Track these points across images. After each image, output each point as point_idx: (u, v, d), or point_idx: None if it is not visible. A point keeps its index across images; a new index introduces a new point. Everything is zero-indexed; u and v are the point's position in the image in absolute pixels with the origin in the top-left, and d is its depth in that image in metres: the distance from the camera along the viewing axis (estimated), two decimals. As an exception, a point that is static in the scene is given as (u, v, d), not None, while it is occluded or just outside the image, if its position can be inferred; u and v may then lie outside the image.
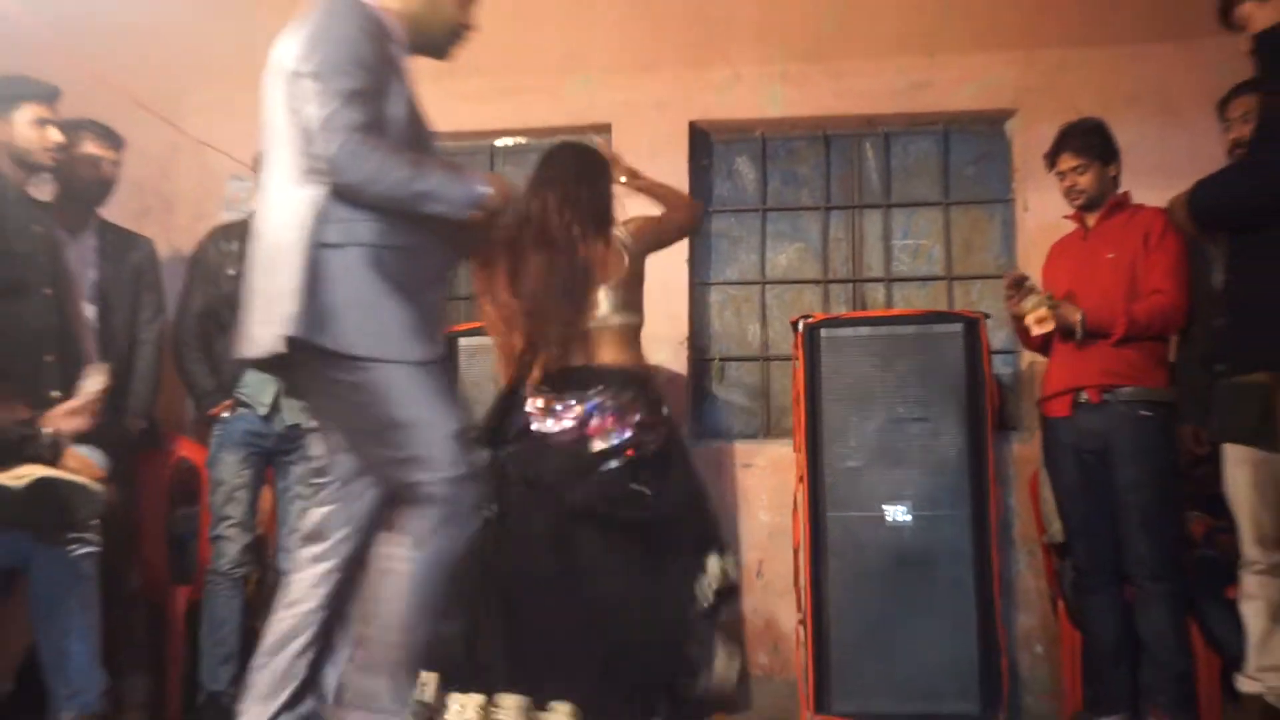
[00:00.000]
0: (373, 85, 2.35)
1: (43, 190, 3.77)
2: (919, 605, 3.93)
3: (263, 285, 2.35)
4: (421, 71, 5.21)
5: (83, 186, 3.86)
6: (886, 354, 4.12)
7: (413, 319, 2.31)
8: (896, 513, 4.02)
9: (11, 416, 2.98)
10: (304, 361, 2.30)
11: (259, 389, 3.96)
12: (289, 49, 2.39)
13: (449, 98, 4.97)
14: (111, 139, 3.91)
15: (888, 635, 3.92)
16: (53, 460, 2.97)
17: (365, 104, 2.31)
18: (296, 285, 2.24)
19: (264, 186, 2.45)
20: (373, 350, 2.26)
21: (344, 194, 2.29)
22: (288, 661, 2.42)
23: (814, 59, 4.78)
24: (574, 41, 4.90)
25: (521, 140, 5.11)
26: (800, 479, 4.09)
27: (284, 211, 2.34)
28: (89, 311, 3.82)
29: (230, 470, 3.93)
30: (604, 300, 3.22)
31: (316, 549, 2.47)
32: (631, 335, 3.27)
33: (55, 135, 3.54)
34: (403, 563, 2.31)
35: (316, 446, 2.56)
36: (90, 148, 3.85)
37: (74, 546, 2.86)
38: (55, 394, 3.24)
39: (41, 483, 2.82)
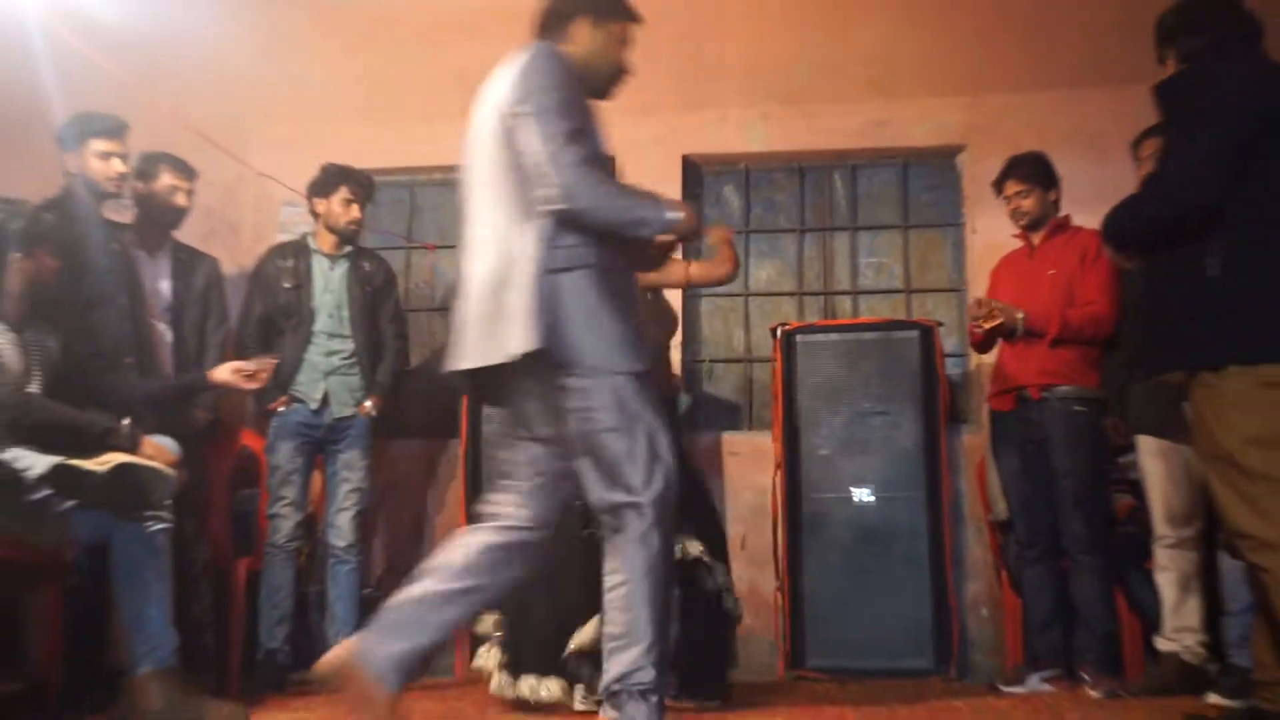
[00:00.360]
0: (584, 123, 2.35)
1: (122, 214, 3.78)
2: (881, 575, 3.94)
3: (487, 308, 2.29)
4: (451, 109, 5.21)
5: (160, 212, 3.85)
6: (853, 357, 4.12)
7: (630, 333, 2.28)
8: (862, 494, 4.03)
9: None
10: (526, 373, 2.26)
11: (310, 386, 3.97)
12: (504, 94, 2.36)
13: (475, 134, 4.99)
14: (186, 170, 3.90)
15: (854, 601, 3.93)
16: (132, 449, 2.97)
17: (583, 140, 2.30)
18: (531, 305, 2.21)
19: (472, 219, 2.41)
20: (600, 361, 2.23)
21: (571, 221, 2.26)
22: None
23: (790, 102, 4.78)
24: (583, 86, 4.89)
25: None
26: (778, 465, 4.10)
27: (507, 242, 2.30)
28: (163, 320, 3.83)
29: (285, 457, 3.93)
30: None
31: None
32: None
33: (119, 166, 3.56)
34: (621, 578, 2.22)
35: (510, 452, 2.43)
36: (167, 178, 3.84)
37: (150, 524, 2.84)
38: (90, 384, 3.22)
39: (121, 468, 2.81)
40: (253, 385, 3.45)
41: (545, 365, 2.23)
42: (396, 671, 2.25)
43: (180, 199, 3.88)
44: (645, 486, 2.21)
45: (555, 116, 2.27)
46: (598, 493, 2.27)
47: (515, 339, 2.22)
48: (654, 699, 2.18)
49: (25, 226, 2.99)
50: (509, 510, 2.37)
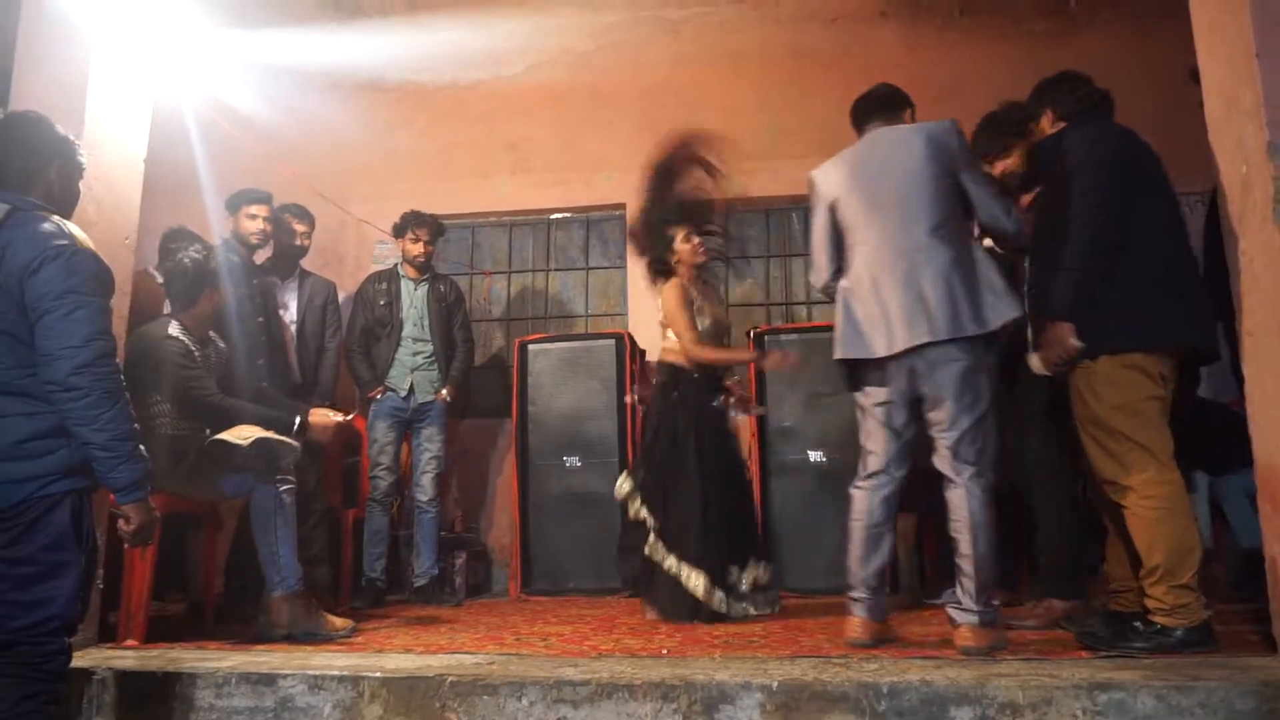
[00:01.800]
0: None
1: (262, 255, 3.81)
2: (837, 513, 3.89)
3: (945, 292, 2.36)
4: (502, 169, 5.24)
5: (287, 248, 3.89)
6: (809, 350, 4.05)
7: None
8: (817, 455, 4.01)
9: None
10: (968, 346, 2.37)
11: (400, 379, 3.98)
12: (947, 137, 2.47)
13: (521, 187, 5.01)
14: (306, 217, 3.93)
15: (815, 533, 3.89)
16: (304, 430, 3.01)
17: None
18: (1003, 286, 2.39)
19: (896, 227, 2.44)
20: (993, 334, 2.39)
21: (1004, 245, 2.65)
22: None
23: (759, 158, 4.72)
24: (602, 148, 4.89)
25: (567, 215, 5.11)
26: (753, 434, 4.08)
27: (946, 249, 2.40)
28: (291, 330, 3.86)
29: (382, 433, 3.94)
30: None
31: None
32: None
33: (260, 225, 3.63)
34: (967, 514, 2.35)
35: (936, 413, 2.42)
36: (293, 223, 3.87)
37: (280, 484, 2.86)
38: (264, 384, 3.28)
39: (259, 442, 2.81)
40: (327, 437, 3.12)
41: (982, 340, 2.38)
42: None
43: (300, 240, 3.91)
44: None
45: (988, 179, 2.57)
46: (969, 449, 2.37)
47: (998, 313, 2.36)
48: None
49: (217, 266, 3.04)
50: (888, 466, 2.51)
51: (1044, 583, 2.84)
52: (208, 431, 2.91)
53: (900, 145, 2.52)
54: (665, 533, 3.13)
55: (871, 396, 2.52)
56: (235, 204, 3.65)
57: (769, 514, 3.96)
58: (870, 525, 2.50)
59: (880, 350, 2.43)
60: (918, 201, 2.45)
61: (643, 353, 4.45)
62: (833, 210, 2.58)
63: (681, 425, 3.20)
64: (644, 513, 3.18)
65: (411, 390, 3.98)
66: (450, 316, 4.13)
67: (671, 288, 3.28)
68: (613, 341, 4.26)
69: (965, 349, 2.39)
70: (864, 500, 2.52)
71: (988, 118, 2.84)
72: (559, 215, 5.12)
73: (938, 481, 2.44)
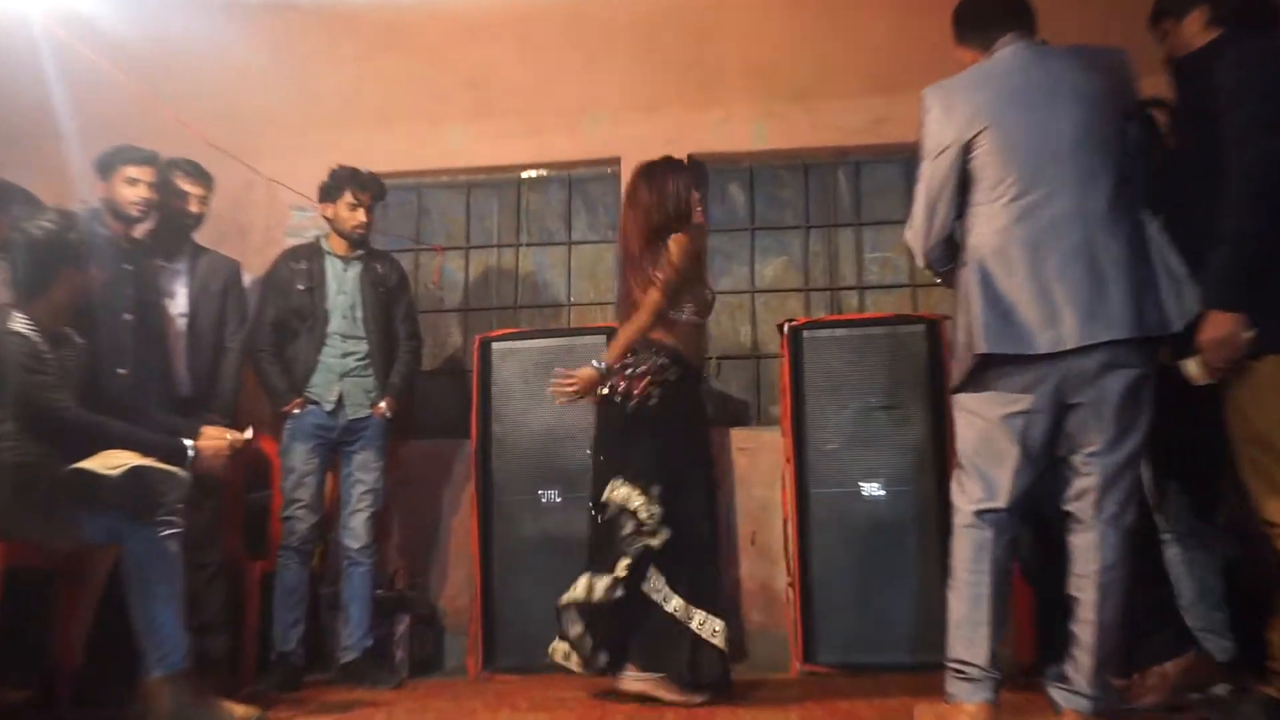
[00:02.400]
0: None
1: (142, 229, 3.76)
2: (892, 568, 3.88)
3: (1121, 283, 2.31)
4: (458, 113, 5.20)
5: (175, 218, 3.84)
6: (860, 351, 4.07)
7: None
8: (871, 488, 3.97)
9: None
10: (1139, 350, 2.34)
11: (325, 388, 3.94)
12: (1124, 70, 2.45)
13: (482, 136, 4.97)
14: (202, 176, 3.90)
15: (866, 595, 3.88)
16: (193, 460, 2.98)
17: None
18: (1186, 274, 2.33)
19: (1070, 182, 2.37)
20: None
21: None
22: None
23: (793, 100, 4.73)
24: (588, 87, 4.86)
25: (543, 172, 5.07)
26: (787, 460, 4.04)
27: (1126, 219, 2.36)
28: (179, 325, 3.80)
29: (300, 458, 3.89)
30: None
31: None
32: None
33: (144, 192, 3.64)
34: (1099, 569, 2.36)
35: (1089, 433, 2.40)
36: (182, 184, 3.84)
37: (162, 527, 2.81)
38: (119, 399, 3.21)
39: (134, 471, 2.77)
40: (220, 464, 3.05)
41: (1153, 344, 2.35)
42: None
43: (195, 205, 3.87)
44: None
45: None
46: (1121, 483, 2.37)
47: (1181, 307, 2.31)
48: None
49: (79, 239, 2.99)
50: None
51: (1148, 644, 2.80)
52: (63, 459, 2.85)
53: (1066, 72, 2.43)
54: (683, 575, 3.19)
55: (1003, 403, 2.40)
56: (110, 164, 3.62)
57: (807, 565, 3.91)
58: (997, 578, 2.40)
59: (1044, 345, 2.32)
60: (1098, 153, 2.37)
61: (642, 353, 4.39)
62: (968, 150, 2.46)
63: (690, 428, 3.33)
64: (658, 537, 3.19)
65: (340, 403, 3.94)
66: (391, 306, 4.09)
67: (685, 239, 3.35)
68: (603, 338, 4.21)
69: (1139, 354, 2.33)
70: (983, 543, 2.41)
71: None
72: (532, 173, 5.09)
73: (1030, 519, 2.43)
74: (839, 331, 4.12)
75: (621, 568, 3.15)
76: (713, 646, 3.14)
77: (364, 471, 3.95)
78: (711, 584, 3.26)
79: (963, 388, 2.48)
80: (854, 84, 4.69)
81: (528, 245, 5.07)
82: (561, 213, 5.07)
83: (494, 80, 4.99)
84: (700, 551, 3.25)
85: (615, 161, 4.81)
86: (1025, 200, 2.38)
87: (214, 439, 3.03)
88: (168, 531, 2.80)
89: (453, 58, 4.97)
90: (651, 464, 3.24)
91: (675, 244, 3.33)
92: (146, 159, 3.64)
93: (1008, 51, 2.53)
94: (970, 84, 2.52)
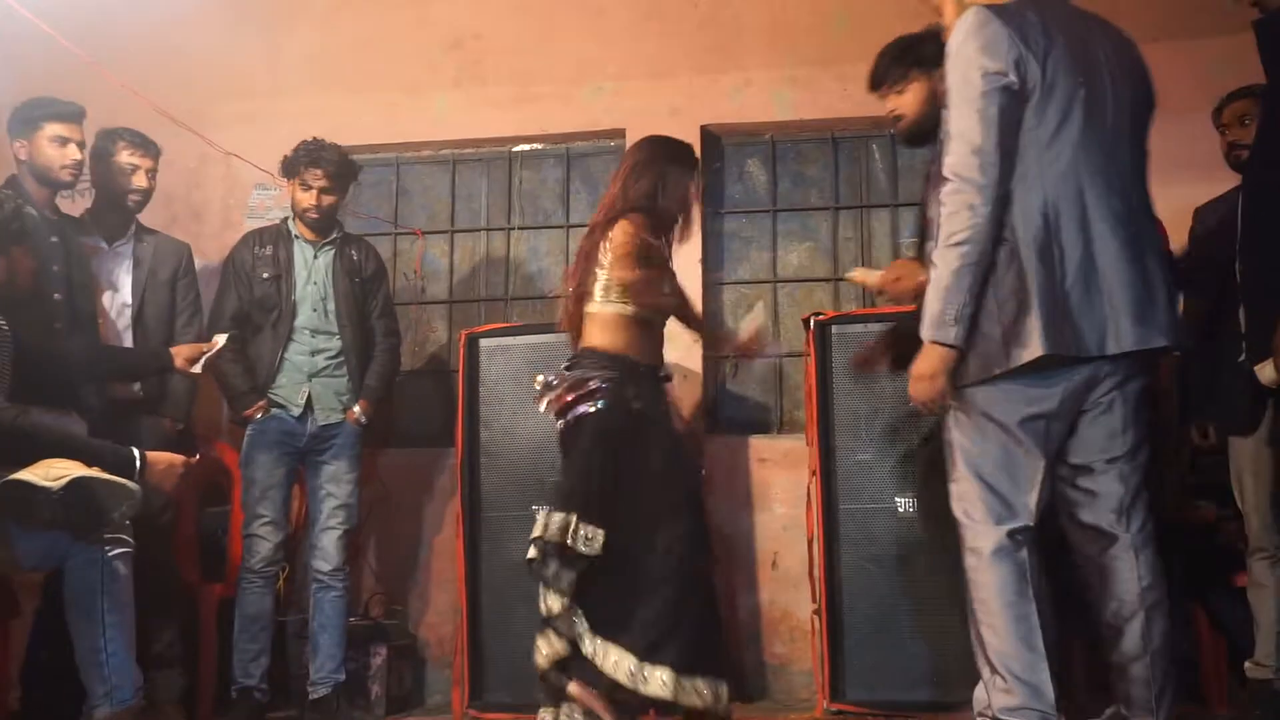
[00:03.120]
0: None
1: (78, 203, 3.77)
2: (931, 594, 3.87)
3: (1160, 285, 2.40)
4: (441, 79, 5.21)
5: (119, 195, 3.86)
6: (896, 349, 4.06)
7: None
8: (908, 504, 3.96)
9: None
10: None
11: (292, 390, 3.95)
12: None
13: (469, 105, 4.97)
14: (147, 147, 3.91)
15: (901, 624, 3.86)
16: (141, 471, 2.96)
17: None
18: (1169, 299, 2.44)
19: (1121, 166, 2.45)
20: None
21: None
22: None
23: (821, 63, 4.72)
24: (588, 51, 4.87)
25: (538, 146, 5.08)
26: (813, 472, 4.03)
27: (1143, 216, 2.47)
28: (125, 314, 3.84)
29: (263, 470, 3.91)
30: None
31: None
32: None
33: (74, 153, 3.61)
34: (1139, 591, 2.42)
35: (1114, 440, 2.49)
36: (125, 155, 3.85)
37: (109, 546, 2.82)
38: (51, 399, 3.23)
39: (76, 482, 2.76)
40: (172, 483, 3.09)
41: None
42: None
43: (141, 179, 3.89)
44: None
45: None
46: (1144, 494, 2.47)
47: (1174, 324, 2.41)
48: None
49: (12, 217, 3.02)
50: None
51: None
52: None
53: (1112, 43, 2.52)
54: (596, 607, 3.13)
55: (1026, 402, 2.40)
56: (32, 120, 3.60)
57: (835, 591, 3.92)
58: (1044, 604, 2.40)
59: (1108, 346, 2.35)
60: (1138, 140, 2.49)
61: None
62: (1019, 90, 2.38)
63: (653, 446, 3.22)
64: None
65: (309, 407, 3.97)
66: (366, 298, 4.11)
67: (631, 226, 3.26)
68: (605, 335, 4.22)
69: (1153, 362, 2.45)
70: (1023, 566, 2.40)
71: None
72: (525, 147, 5.10)
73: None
74: (872, 326, 4.09)
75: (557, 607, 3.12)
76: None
77: (335, 484, 3.96)
78: (642, 621, 3.07)
79: (973, 383, 2.45)
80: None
81: (520, 229, 5.08)
82: (558, 192, 5.07)
83: (482, 42, 5.00)
84: (627, 584, 3.11)
85: (619, 134, 4.82)
86: (1076, 180, 2.39)
87: (166, 458, 3.02)
88: (116, 551, 2.82)
89: (435, 16, 4.99)
90: (575, 489, 3.19)
91: (622, 231, 3.25)
92: (75, 114, 3.62)
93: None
94: (1025, 11, 2.48)
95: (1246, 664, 3.36)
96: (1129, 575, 2.37)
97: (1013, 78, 2.34)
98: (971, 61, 2.36)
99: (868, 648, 3.87)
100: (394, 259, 5.02)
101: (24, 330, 3.13)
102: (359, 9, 5.01)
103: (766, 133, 4.89)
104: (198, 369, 3.57)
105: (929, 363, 2.40)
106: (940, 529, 3.89)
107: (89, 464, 2.83)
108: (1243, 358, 2.95)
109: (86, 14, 4.33)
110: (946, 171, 2.35)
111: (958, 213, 2.33)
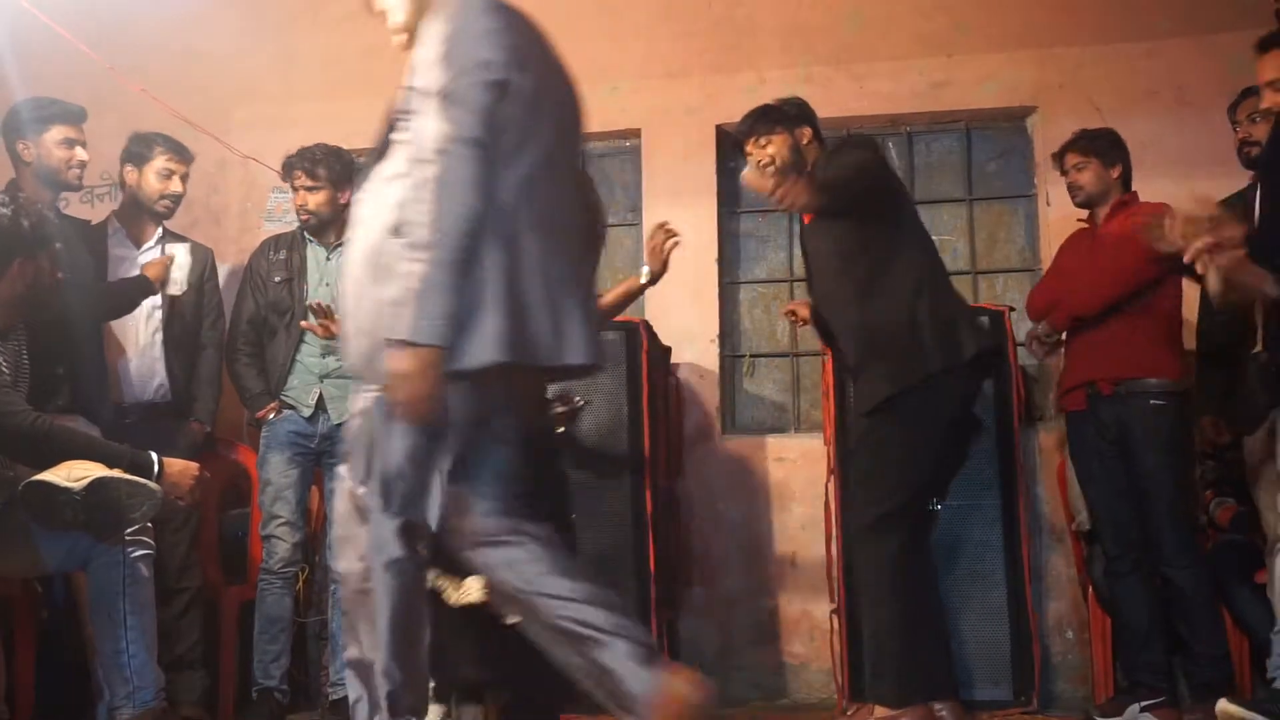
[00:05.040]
0: None
1: (96, 208, 3.79)
2: (951, 594, 3.86)
3: None
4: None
5: (151, 199, 3.88)
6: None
7: None
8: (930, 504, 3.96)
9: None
10: None
11: (303, 391, 3.95)
12: None
13: (483, 108, 4.97)
14: (183, 154, 3.92)
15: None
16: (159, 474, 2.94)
17: None
18: None
19: None
20: None
21: None
22: None
23: (837, 62, 4.72)
24: (603, 51, 4.86)
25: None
26: (831, 471, 4.04)
27: None
28: (155, 317, 3.88)
29: (277, 470, 3.91)
30: None
31: None
32: None
33: (81, 155, 3.61)
34: None
35: None
36: (161, 160, 3.85)
37: (130, 548, 2.83)
38: (60, 402, 3.27)
39: (98, 483, 2.75)
40: (186, 489, 3.03)
41: None
42: None
43: (176, 184, 3.90)
44: None
45: None
46: None
47: None
48: None
49: (33, 226, 2.99)
50: None
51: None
52: (16, 471, 2.87)
53: None
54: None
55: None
56: (36, 122, 3.58)
57: (852, 588, 3.92)
58: None
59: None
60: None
61: (667, 350, 4.41)
62: None
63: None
64: None
65: (320, 407, 3.95)
66: (381, 297, 4.09)
67: None
68: (622, 334, 4.22)
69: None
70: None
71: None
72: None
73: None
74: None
75: None
76: None
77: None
78: None
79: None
80: (906, 44, 4.68)
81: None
82: (574, 192, 5.08)
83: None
84: None
85: (634, 134, 4.83)
86: None
87: (183, 468, 2.99)
88: (138, 553, 2.83)
89: (450, 18, 4.98)
90: None
91: None
92: (80, 115, 3.62)
93: None
94: None
95: (1269, 662, 3.33)
96: None
97: None
98: None
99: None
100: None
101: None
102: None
103: (782, 132, 4.89)
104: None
105: None
106: (964, 527, 3.93)
107: (109, 466, 2.82)
108: (1258, 349, 2.94)
109: (103, 20, 4.37)
110: None
111: None
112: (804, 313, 3.74)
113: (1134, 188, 3.73)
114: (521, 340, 2.11)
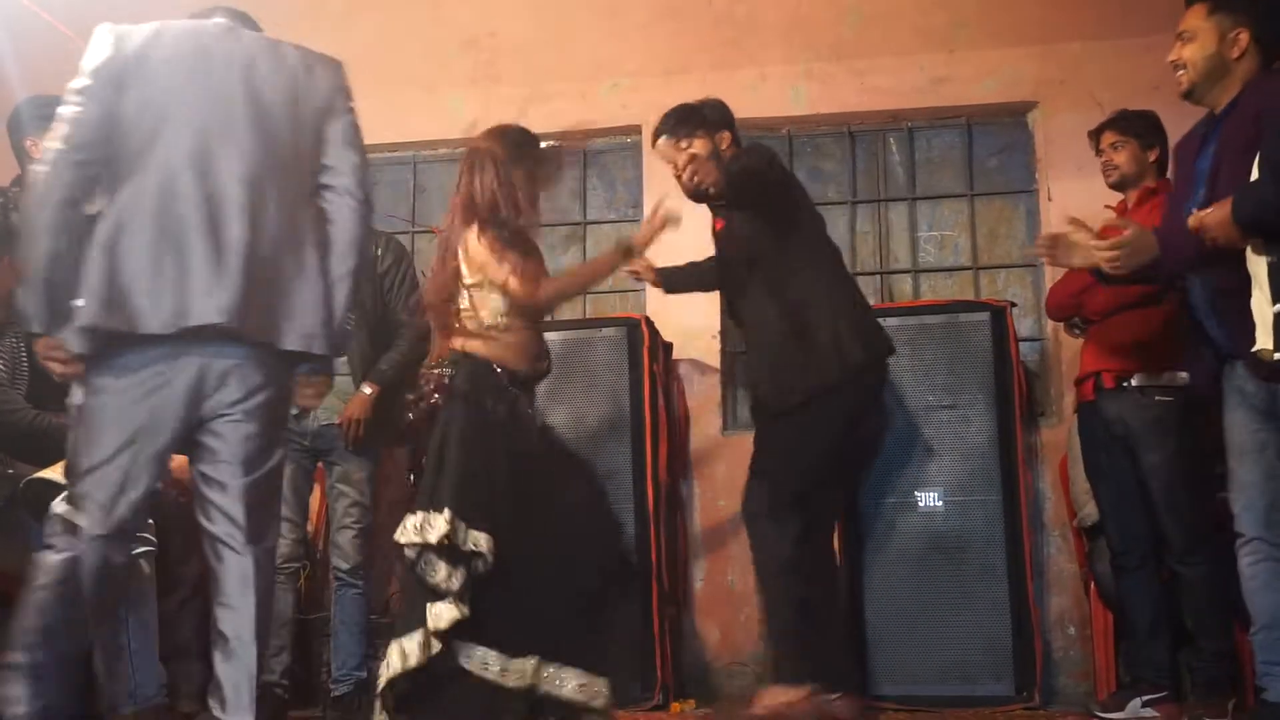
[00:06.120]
0: None
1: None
2: (953, 589, 3.89)
3: None
4: (457, 78, 5.22)
5: None
6: (915, 344, 4.06)
7: None
8: (929, 499, 3.97)
9: None
10: None
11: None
12: None
13: (486, 103, 4.96)
14: None
15: (923, 619, 3.88)
16: None
17: None
18: None
19: None
20: None
21: None
22: None
23: (837, 58, 4.73)
24: (603, 48, 4.88)
25: (554, 143, 5.06)
26: (833, 466, 4.03)
27: None
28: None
29: (278, 468, 3.90)
30: None
31: None
32: None
33: None
34: None
35: None
36: None
37: (131, 545, 2.81)
38: (59, 400, 3.21)
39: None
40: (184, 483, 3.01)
41: None
42: None
43: None
44: None
45: None
46: None
47: None
48: None
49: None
50: None
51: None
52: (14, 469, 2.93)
53: None
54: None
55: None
56: (45, 118, 3.55)
57: (856, 587, 3.92)
58: None
59: None
60: None
61: (668, 347, 4.40)
62: None
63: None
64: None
65: (305, 406, 3.93)
66: (387, 291, 4.07)
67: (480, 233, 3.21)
68: (623, 330, 4.23)
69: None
70: None
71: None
72: (542, 144, 5.07)
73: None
74: (890, 320, 4.06)
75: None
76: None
77: (346, 484, 3.93)
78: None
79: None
80: (907, 39, 4.69)
81: (538, 225, 5.08)
82: (575, 189, 5.08)
83: (497, 40, 5.01)
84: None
85: (635, 130, 4.82)
86: None
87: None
88: (139, 549, 2.82)
89: (450, 15, 5.00)
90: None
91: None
92: None
93: None
94: None
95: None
96: None
97: None
98: None
99: (890, 643, 3.90)
100: (412, 257, 5.01)
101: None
102: (375, 8, 5.02)
103: (783, 127, 4.89)
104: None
105: None
106: (965, 523, 3.93)
107: None
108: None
109: (102, 15, 4.35)
110: None
111: None
112: (649, 276, 3.78)
113: (1148, 178, 3.71)
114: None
